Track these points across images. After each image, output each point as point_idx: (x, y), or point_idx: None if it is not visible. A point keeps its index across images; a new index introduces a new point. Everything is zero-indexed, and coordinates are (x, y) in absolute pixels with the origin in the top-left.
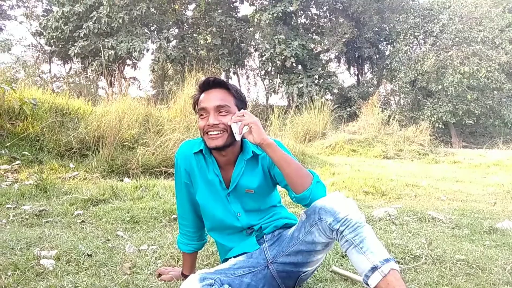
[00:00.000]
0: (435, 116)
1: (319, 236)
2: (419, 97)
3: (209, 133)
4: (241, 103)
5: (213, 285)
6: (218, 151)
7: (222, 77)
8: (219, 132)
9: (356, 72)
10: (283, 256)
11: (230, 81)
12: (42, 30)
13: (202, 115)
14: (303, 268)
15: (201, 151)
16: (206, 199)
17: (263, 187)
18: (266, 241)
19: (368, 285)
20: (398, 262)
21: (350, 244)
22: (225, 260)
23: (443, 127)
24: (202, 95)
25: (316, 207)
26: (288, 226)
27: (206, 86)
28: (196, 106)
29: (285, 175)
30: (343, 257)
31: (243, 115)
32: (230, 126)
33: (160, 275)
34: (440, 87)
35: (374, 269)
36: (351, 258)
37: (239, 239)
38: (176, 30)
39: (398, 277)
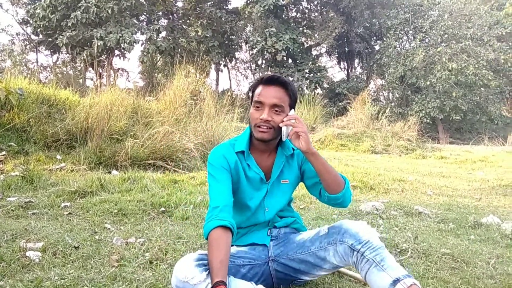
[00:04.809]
0: (423, 112)
1: (333, 256)
2: (407, 93)
3: (260, 126)
4: (294, 102)
5: (206, 265)
6: (262, 142)
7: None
8: (268, 128)
9: (346, 67)
10: (286, 259)
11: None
12: (29, 19)
13: (257, 107)
14: (302, 276)
15: (242, 151)
16: (245, 194)
17: (295, 180)
18: (272, 238)
19: None
20: None
21: (370, 264)
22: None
23: (430, 122)
24: (261, 88)
25: (342, 228)
26: (295, 228)
27: (269, 81)
28: (252, 94)
29: (323, 180)
30: None
31: (295, 120)
32: (279, 126)
33: None
34: (428, 83)
35: (396, 281)
36: (371, 279)
37: (253, 224)
38: (166, 21)
39: None
